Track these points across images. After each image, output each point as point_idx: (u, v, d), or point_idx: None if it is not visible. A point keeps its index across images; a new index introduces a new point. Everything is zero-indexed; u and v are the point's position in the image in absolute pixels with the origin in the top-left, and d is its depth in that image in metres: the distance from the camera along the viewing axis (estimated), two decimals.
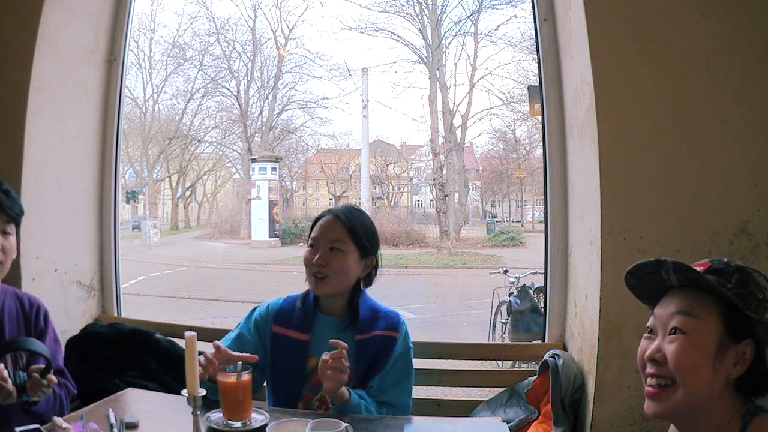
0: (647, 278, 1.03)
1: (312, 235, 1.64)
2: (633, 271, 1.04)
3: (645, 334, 1.02)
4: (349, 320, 1.62)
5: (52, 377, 1.43)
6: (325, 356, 1.41)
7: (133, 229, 21.35)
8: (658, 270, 0.99)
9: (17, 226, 1.63)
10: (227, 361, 1.43)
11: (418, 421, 1.52)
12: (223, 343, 1.52)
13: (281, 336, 1.63)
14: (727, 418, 0.95)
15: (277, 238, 18.82)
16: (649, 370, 0.97)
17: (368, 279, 1.68)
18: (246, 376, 1.38)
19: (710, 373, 0.93)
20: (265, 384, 1.69)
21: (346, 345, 1.42)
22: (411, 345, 1.65)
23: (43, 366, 1.43)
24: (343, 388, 1.46)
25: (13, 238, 1.59)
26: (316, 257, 1.58)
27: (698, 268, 0.99)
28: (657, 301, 1.04)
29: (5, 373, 1.37)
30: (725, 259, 1.00)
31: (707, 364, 0.93)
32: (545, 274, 2.18)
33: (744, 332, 0.95)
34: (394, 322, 1.63)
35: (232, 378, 1.37)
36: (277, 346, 1.62)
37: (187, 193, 28.06)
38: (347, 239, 1.60)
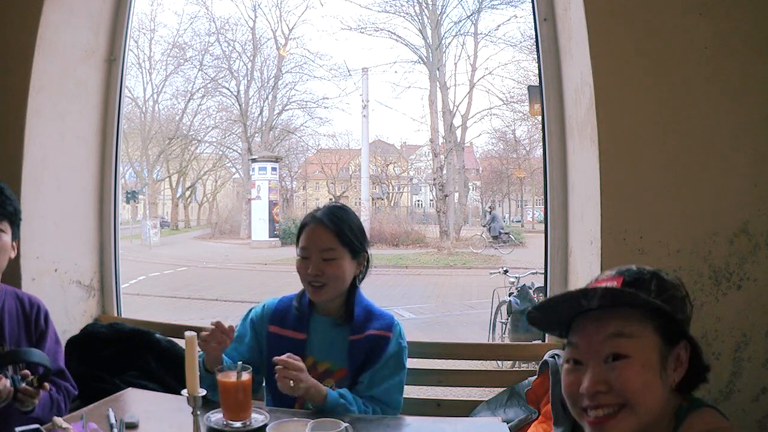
0: (558, 307, 0.95)
1: (301, 245, 1.62)
2: (544, 305, 0.97)
3: (567, 366, 0.95)
4: (344, 320, 1.63)
5: (46, 384, 1.43)
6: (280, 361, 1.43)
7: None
8: (579, 299, 0.92)
9: (12, 225, 1.60)
10: (225, 337, 1.45)
11: (418, 421, 1.52)
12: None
13: (277, 335, 1.63)
14: (665, 420, 0.91)
15: (277, 238, 18.82)
16: (589, 402, 0.90)
17: (361, 275, 1.68)
18: (246, 376, 1.38)
19: (660, 387, 0.90)
20: (264, 384, 1.69)
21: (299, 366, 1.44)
22: (405, 345, 1.65)
23: (37, 376, 1.43)
24: (322, 388, 1.47)
25: (6, 236, 1.57)
26: (310, 268, 1.58)
27: (611, 284, 0.94)
28: (564, 328, 0.98)
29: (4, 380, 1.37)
30: (633, 267, 0.96)
31: (657, 380, 0.89)
32: (545, 274, 2.18)
33: (677, 336, 0.92)
34: (388, 323, 1.63)
35: (232, 378, 1.37)
36: (273, 346, 1.62)
37: (187, 193, 28.08)
38: (337, 245, 1.59)
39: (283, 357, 1.45)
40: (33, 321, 1.65)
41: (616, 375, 0.88)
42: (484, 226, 18.29)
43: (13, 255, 1.61)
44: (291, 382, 1.42)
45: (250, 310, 1.71)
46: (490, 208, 19.57)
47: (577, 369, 0.93)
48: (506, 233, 18.25)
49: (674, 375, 0.92)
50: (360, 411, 1.51)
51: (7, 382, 1.38)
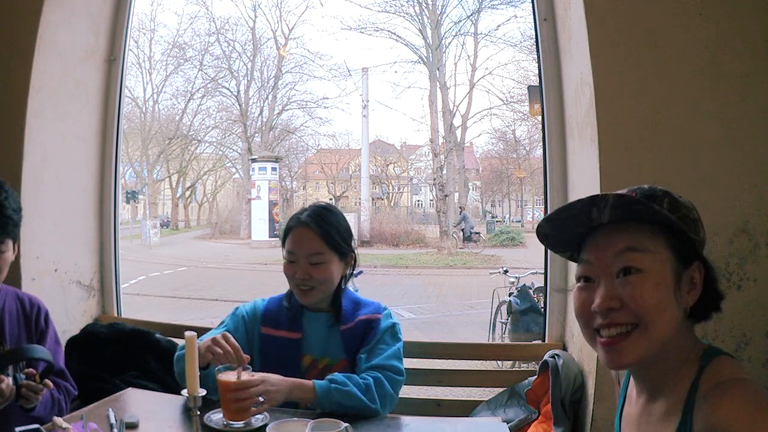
0: (569, 222, 0.91)
1: (287, 249, 1.60)
2: (553, 216, 0.92)
3: (579, 285, 0.91)
4: (335, 315, 1.63)
5: (49, 382, 1.43)
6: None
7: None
8: (589, 209, 0.87)
9: (14, 239, 1.57)
10: (232, 353, 1.43)
11: (417, 421, 1.51)
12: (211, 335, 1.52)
13: (271, 337, 1.62)
14: (682, 358, 0.88)
15: (277, 238, 18.69)
16: (602, 320, 0.86)
17: (349, 274, 1.69)
18: (246, 376, 1.38)
19: (674, 307, 0.86)
20: None
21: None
22: (397, 321, 1.65)
23: (37, 372, 1.43)
24: (306, 383, 1.46)
25: (8, 253, 1.55)
26: (298, 273, 1.57)
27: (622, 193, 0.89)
28: (574, 248, 0.95)
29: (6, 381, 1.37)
30: (645, 186, 0.91)
31: (671, 299, 0.85)
32: (545, 274, 2.18)
33: (691, 256, 0.88)
34: (375, 308, 1.65)
35: (232, 378, 1.37)
36: (267, 348, 1.61)
37: (187, 193, 28.08)
38: (325, 249, 1.58)
39: (230, 377, 1.37)
40: (33, 321, 1.65)
41: (629, 290, 0.85)
42: (455, 227, 18.49)
43: (12, 257, 1.59)
44: (260, 398, 1.37)
45: (238, 308, 1.69)
46: (461, 208, 19.73)
47: (589, 286, 0.89)
48: (476, 233, 18.66)
49: (688, 297, 0.88)
50: (358, 387, 1.47)
51: (9, 381, 1.38)
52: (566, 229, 0.93)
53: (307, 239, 1.58)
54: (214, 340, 1.43)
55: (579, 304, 0.90)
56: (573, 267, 2.05)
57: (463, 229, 18.24)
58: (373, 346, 1.58)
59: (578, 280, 0.92)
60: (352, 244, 1.66)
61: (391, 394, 1.51)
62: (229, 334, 1.47)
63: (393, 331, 1.62)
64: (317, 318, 1.64)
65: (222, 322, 1.68)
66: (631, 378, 0.98)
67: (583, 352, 1.89)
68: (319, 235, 1.57)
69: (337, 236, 1.60)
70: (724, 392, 0.79)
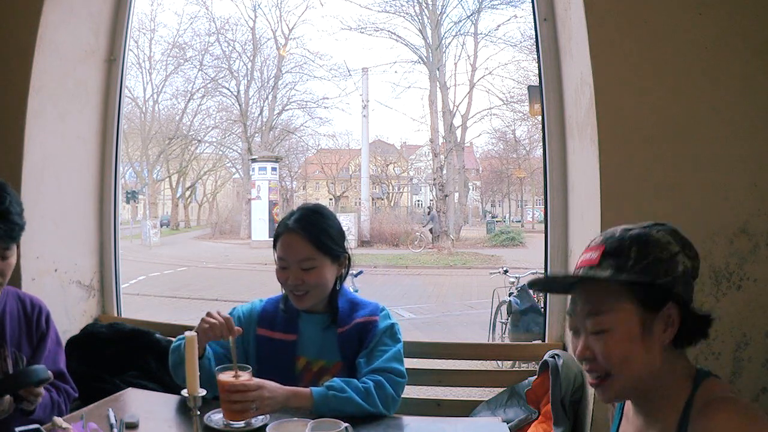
0: (548, 285, 1.07)
1: (278, 255, 1.58)
2: (530, 285, 1.12)
3: (570, 331, 1.03)
4: (331, 316, 1.62)
5: (41, 390, 1.42)
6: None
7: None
8: (553, 283, 1.03)
9: (17, 242, 1.54)
10: (227, 333, 1.44)
11: (417, 421, 1.51)
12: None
13: (267, 338, 1.61)
14: (673, 383, 0.95)
15: None
16: (585, 366, 0.99)
17: (344, 275, 1.67)
18: (246, 376, 1.38)
19: (643, 354, 0.93)
20: None
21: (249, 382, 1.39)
22: (395, 322, 1.63)
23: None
24: (302, 391, 1.45)
25: (12, 258, 1.53)
26: (291, 279, 1.56)
27: (592, 254, 0.99)
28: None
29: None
30: (618, 232, 0.99)
31: (638, 348, 0.93)
32: (545, 274, 2.17)
33: (662, 299, 0.94)
34: (373, 309, 1.63)
35: (232, 379, 1.37)
36: (263, 349, 1.61)
37: (187, 193, 28.08)
38: (316, 254, 1.55)
39: (228, 377, 1.37)
40: (34, 322, 1.64)
41: (599, 347, 0.95)
42: (424, 227, 18.61)
43: (13, 263, 1.56)
44: (254, 405, 1.36)
45: (235, 308, 1.68)
46: (429, 208, 19.81)
47: (576, 336, 1.01)
48: (444, 232, 18.63)
49: (664, 336, 0.94)
50: (357, 392, 1.45)
51: (8, 397, 1.38)
52: (552, 287, 1.12)
53: (297, 245, 1.55)
54: (207, 314, 1.45)
55: (573, 350, 1.03)
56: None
57: (431, 229, 18.26)
58: (371, 349, 1.57)
59: (570, 328, 1.04)
60: (345, 244, 1.64)
61: (393, 396, 1.49)
62: (220, 310, 1.48)
63: (392, 332, 1.60)
64: (313, 320, 1.63)
65: None
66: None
67: None
68: (308, 240, 1.55)
69: (327, 240, 1.57)
70: (717, 407, 0.87)
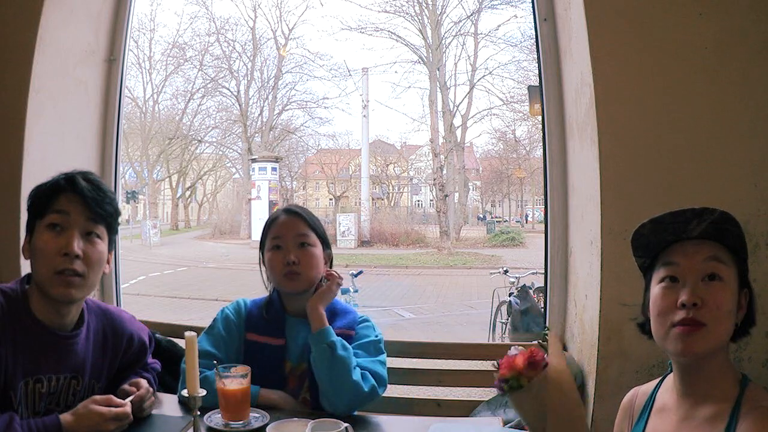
0: (667, 228, 1.05)
1: (273, 236, 1.63)
2: (659, 219, 1.06)
3: (664, 284, 1.04)
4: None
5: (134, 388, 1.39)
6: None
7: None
8: (691, 219, 1.03)
9: (110, 232, 1.35)
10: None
11: (418, 421, 1.51)
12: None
13: (255, 343, 1.61)
14: (726, 368, 1.02)
15: None
16: (684, 314, 0.99)
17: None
18: (245, 381, 1.38)
19: (732, 319, 1.01)
20: None
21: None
22: (378, 334, 1.64)
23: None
24: (321, 312, 1.53)
25: (102, 245, 1.32)
26: (290, 256, 1.58)
27: (711, 215, 1.04)
28: (654, 254, 1.08)
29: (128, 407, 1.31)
30: (718, 209, 1.05)
31: (734, 311, 1.01)
32: (545, 274, 2.17)
33: (744, 281, 1.04)
34: (350, 321, 1.64)
35: (230, 384, 1.37)
36: (252, 353, 1.60)
37: (187, 193, 28.07)
38: (311, 232, 1.64)
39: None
40: (122, 349, 1.47)
41: (711, 292, 0.99)
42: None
43: (108, 271, 1.36)
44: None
45: (224, 309, 1.67)
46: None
47: (674, 285, 1.03)
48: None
49: (738, 315, 1.02)
50: (354, 367, 1.49)
51: (128, 404, 1.32)
52: (660, 235, 1.07)
53: (292, 223, 1.64)
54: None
55: (664, 300, 1.03)
56: (573, 267, 2.05)
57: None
58: (360, 345, 1.60)
59: (662, 280, 1.05)
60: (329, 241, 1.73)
61: (367, 394, 1.49)
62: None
63: (370, 341, 1.61)
64: (299, 323, 1.62)
65: (212, 327, 1.65)
66: (659, 395, 1.12)
67: (582, 352, 1.89)
68: (303, 220, 1.65)
69: (319, 225, 1.68)
70: (766, 415, 0.93)
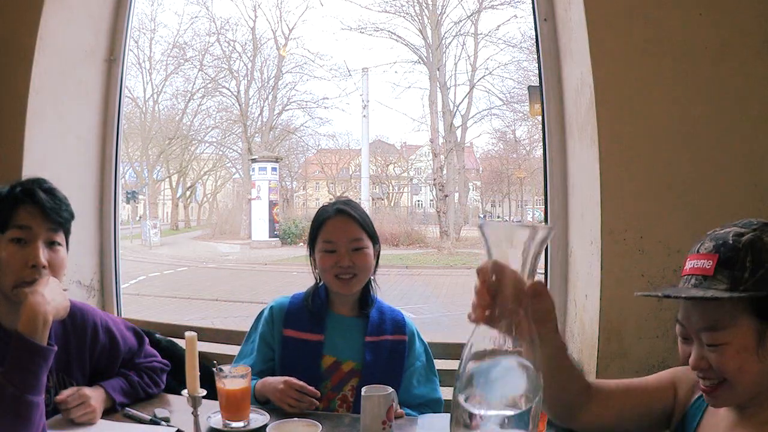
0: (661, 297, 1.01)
1: (325, 239, 1.59)
2: (668, 293, 1.01)
3: (680, 340, 1.02)
4: (359, 319, 1.63)
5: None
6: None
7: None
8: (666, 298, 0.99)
9: (67, 234, 1.38)
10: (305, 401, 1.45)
11: (420, 419, 1.51)
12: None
13: (293, 339, 1.60)
14: None
15: (277, 238, 18.82)
16: (698, 374, 0.98)
17: (375, 268, 1.68)
18: (245, 381, 1.38)
19: (758, 365, 0.93)
20: None
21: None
22: (422, 339, 1.69)
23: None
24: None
25: (62, 250, 1.35)
26: (345, 261, 1.56)
27: (705, 263, 0.95)
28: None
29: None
30: (730, 238, 0.94)
31: (754, 359, 0.92)
32: (545, 274, 2.17)
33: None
34: (399, 324, 1.65)
35: (230, 384, 1.37)
36: (289, 349, 1.59)
37: (187, 193, 28.06)
38: (363, 235, 1.60)
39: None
40: (89, 339, 1.44)
41: (714, 358, 0.94)
42: None
43: (63, 271, 1.39)
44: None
45: (262, 312, 1.67)
46: None
47: (686, 343, 1.00)
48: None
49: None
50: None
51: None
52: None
53: (347, 226, 1.59)
54: (287, 393, 1.44)
55: (681, 354, 1.02)
56: (573, 267, 2.05)
57: None
58: (407, 379, 1.62)
59: (678, 334, 1.02)
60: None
61: None
62: (293, 380, 1.45)
63: (423, 355, 1.67)
64: (341, 320, 1.62)
65: (254, 329, 1.67)
66: None
67: (583, 352, 1.89)
68: (356, 221, 1.59)
69: (369, 222, 1.63)
70: None
